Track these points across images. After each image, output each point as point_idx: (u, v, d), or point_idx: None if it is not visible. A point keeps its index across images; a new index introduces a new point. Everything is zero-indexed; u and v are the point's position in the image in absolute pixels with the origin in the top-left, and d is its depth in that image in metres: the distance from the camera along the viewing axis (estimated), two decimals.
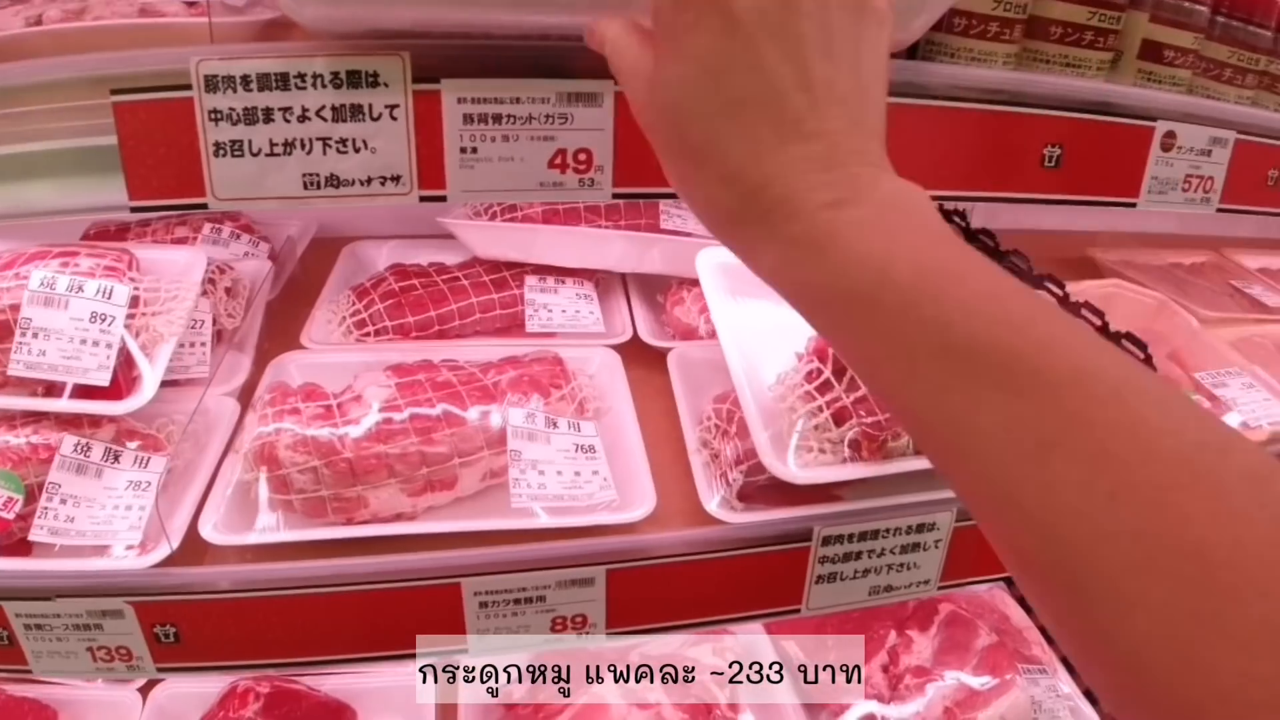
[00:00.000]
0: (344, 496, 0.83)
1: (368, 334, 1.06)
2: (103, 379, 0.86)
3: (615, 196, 0.74)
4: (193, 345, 0.99)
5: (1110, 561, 0.36)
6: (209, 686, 1.14)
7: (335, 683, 1.15)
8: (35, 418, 0.86)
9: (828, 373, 0.85)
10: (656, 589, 0.82)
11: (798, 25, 0.45)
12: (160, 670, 0.81)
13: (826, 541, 0.83)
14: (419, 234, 1.26)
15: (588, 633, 0.83)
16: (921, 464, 0.84)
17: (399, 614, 0.79)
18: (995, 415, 0.40)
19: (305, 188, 0.73)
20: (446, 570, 0.77)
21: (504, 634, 0.81)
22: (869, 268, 0.44)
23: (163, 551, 0.78)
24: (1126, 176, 0.87)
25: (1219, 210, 0.93)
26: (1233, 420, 1.06)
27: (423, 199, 0.73)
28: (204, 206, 0.71)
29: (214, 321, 1.02)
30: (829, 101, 0.46)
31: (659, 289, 1.15)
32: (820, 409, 0.84)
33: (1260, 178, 0.95)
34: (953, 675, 1.16)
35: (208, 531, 0.79)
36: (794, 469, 0.80)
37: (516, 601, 0.80)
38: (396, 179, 0.74)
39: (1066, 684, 1.26)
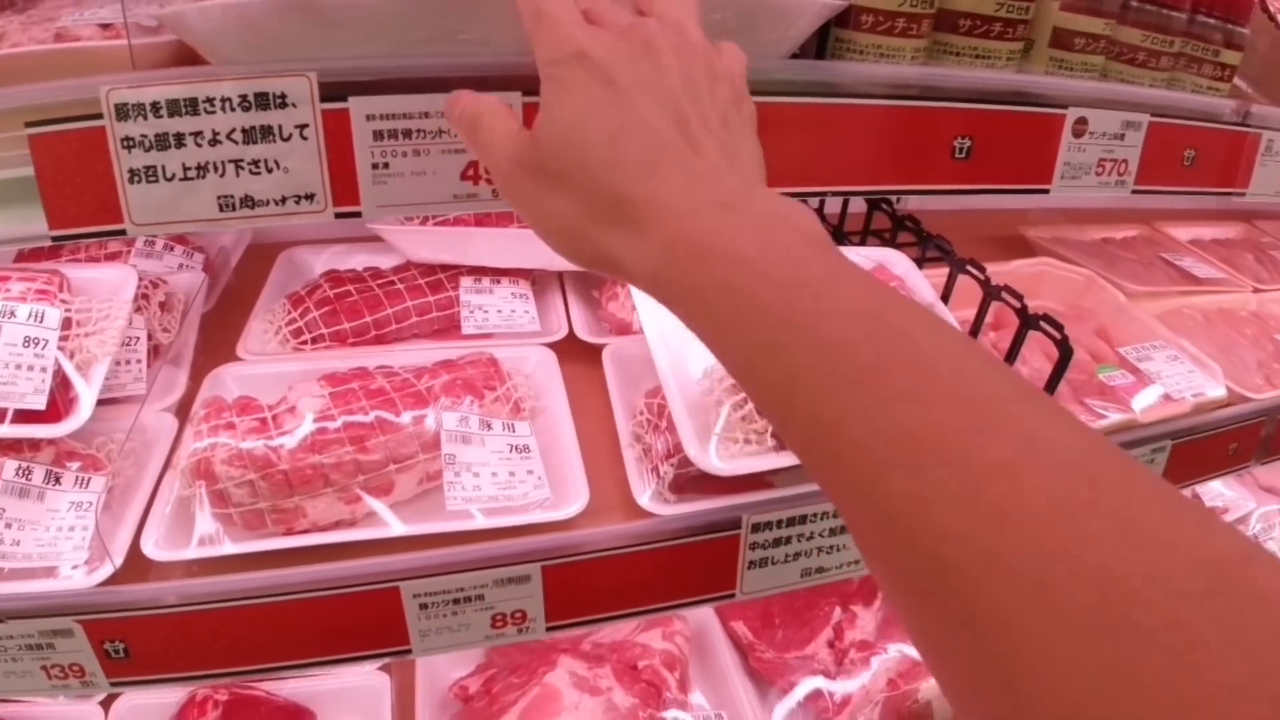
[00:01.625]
0: (281, 508, 0.86)
1: (304, 342, 1.09)
2: (39, 403, 0.88)
3: None
4: (128, 362, 1.01)
5: (999, 591, 0.31)
6: (168, 697, 1.17)
7: (294, 686, 1.19)
8: None
9: None
10: (592, 582, 0.87)
11: (667, 80, 0.52)
12: (113, 685, 0.84)
13: (756, 529, 0.88)
14: (356, 237, 1.28)
15: (527, 628, 0.87)
16: None
17: (342, 619, 0.83)
18: (869, 421, 0.38)
19: (220, 210, 0.76)
20: (384, 575, 0.81)
21: (445, 634, 0.85)
22: (749, 267, 0.46)
23: (106, 570, 0.81)
24: (1039, 163, 0.92)
25: (1134, 192, 0.98)
26: (1154, 394, 1.12)
27: (338, 215, 0.76)
28: (122, 233, 0.74)
29: (149, 337, 1.05)
30: (704, 135, 0.52)
31: (595, 285, 1.19)
32: (744, 401, 0.88)
33: (1176, 158, 1.00)
34: (896, 648, 1.22)
35: (149, 549, 0.82)
36: (717, 461, 0.85)
37: (455, 601, 0.84)
38: (310, 197, 0.77)
39: None
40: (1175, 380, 1.14)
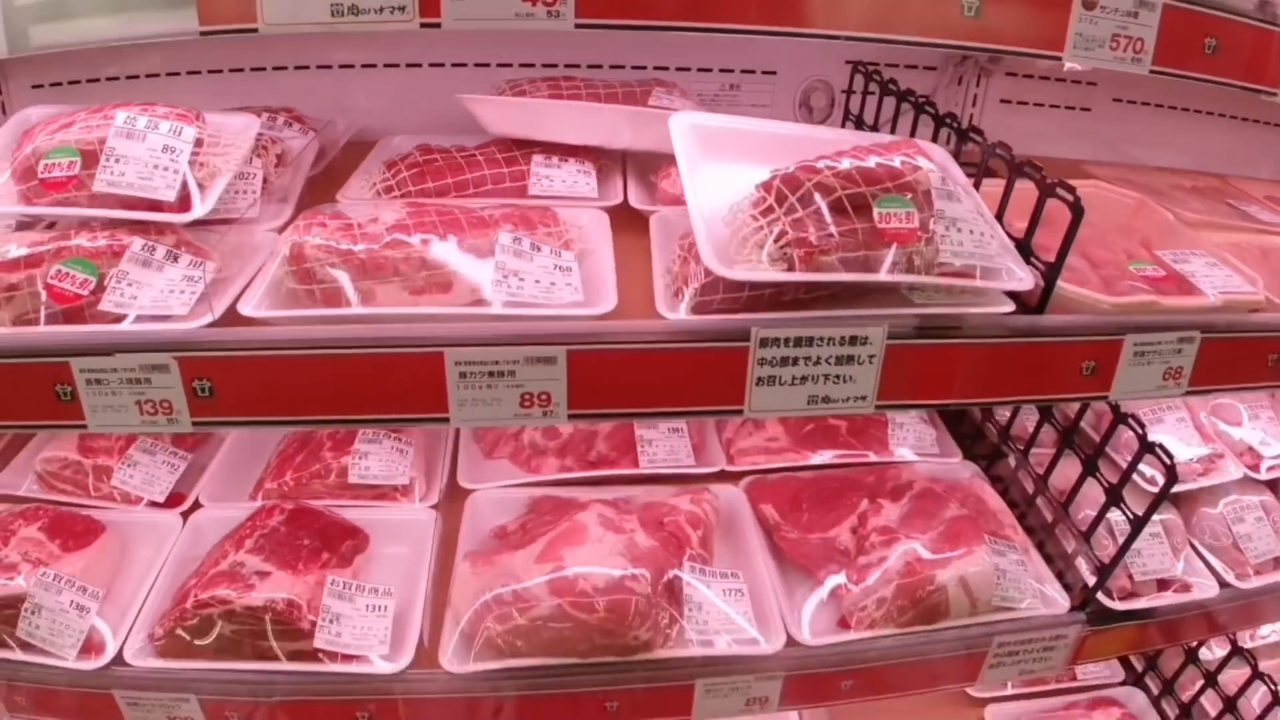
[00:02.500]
0: (358, 289, 1.03)
1: (395, 198, 1.27)
2: (170, 196, 1.09)
3: (576, 26, 0.93)
4: (244, 192, 1.22)
5: None
6: (241, 512, 1.35)
7: (352, 515, 1.35)
8: (112, 226, 1.09)
9: (770, 200, 1.01)
10: (612, 375, 0.99)
11: None
12: (196, 425, 1.01)
13: (764, 344, 0.99)
14: (446, 129, 1.47)
15: (552, 412, 1.00)
16: (850, 276, 0.99)
17: (394, 379, 0.98)
18: None
19: (333, 15, 0.95)
20: (432, 340, 0.95)
21: (480, 405, 0.99)
22: None
23: (206, 319, 0.99)
24: (1050, 31, 1.01)
25: (1152, 72, 1.05)
26: (1183, 285, 1.16)
27: (422, 25, 0.94)
28: (255, 31, 0.94)
29: (264, 181, 1.25)
30: None
31: (653, 169, 1.33)
32: (761, 229, 1.00)
33: (1196, 45, 1.07)
34: (917, 537, 1.28)
35: (244, 309, 1.00)
36: (732, 271, 0.96)
37: (490, 375, 0.98)
38: (402, 9, 0.95)
39: (1037, 563, 1.36)
40: (1210, 279, 1.18)
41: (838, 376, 1.03)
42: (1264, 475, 1.54)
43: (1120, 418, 1.27)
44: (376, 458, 1.38)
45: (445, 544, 1.33)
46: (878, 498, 1.35)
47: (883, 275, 1.00)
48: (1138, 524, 1.24)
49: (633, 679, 1.18)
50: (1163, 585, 1.39)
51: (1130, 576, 1.35)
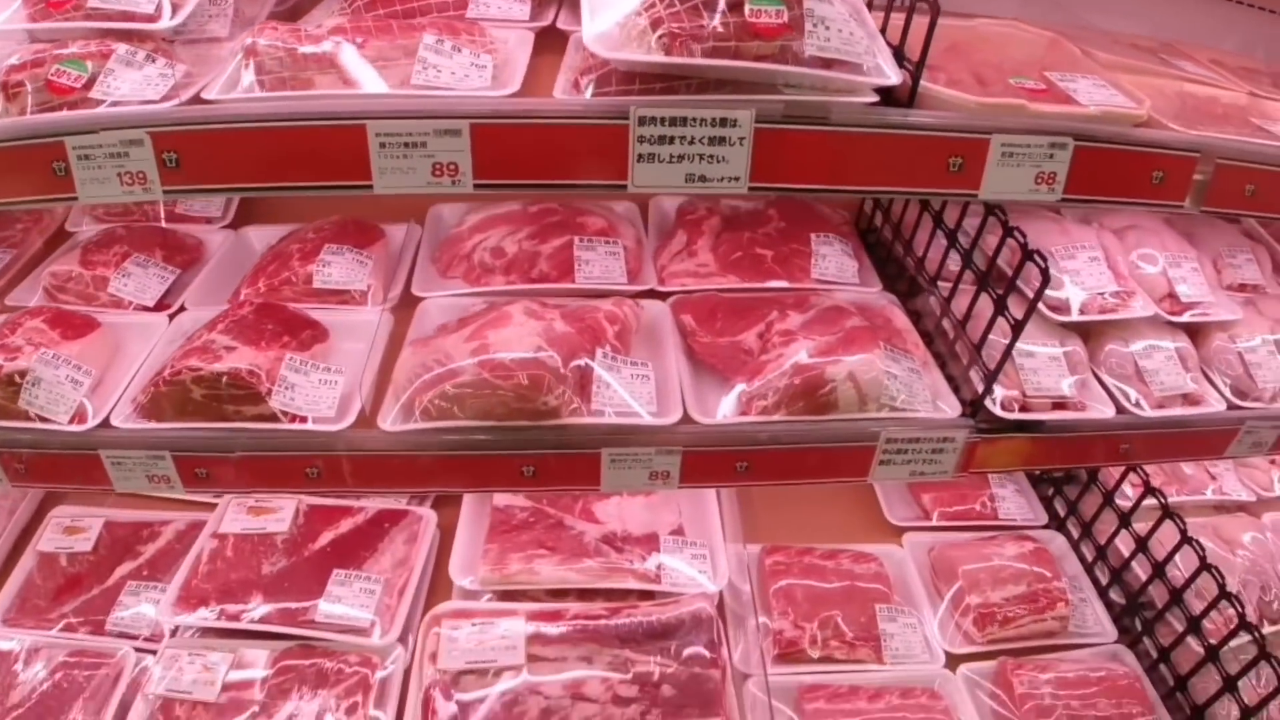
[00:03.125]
0: (300, 78, 1.21)
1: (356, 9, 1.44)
2: (149, 8, 1.28)
3: None
4: (217, 16, 1.41)
5: None
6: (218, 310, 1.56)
7: (316, 315, 1.55)
8: (102, 35, 1.29)
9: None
10: (511, 150, 1.15)
11: None
12: (166, 192, 1.21)
13: (642, 122, 1.14)
14: None
15: (459, 181, 1.17)
16: (717, 62, 1.13)
17: (327, 149, 1.15)
18: None
19: None
20: (356, 113, 1.13)
21: (397, 174, 1.17)
22: None
23: (174, 103, 1.19)
24: None
25: None
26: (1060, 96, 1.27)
27: None
28: None
29: (235, 11, 1.44)
30: None
31: None
32: (643, 23, 1.15)
33: None
34: (815, 339, 1.42)
35: (207, 94, 1.19)
36: (609, 52, 1.11)
37: (406, 145, 1.15)
38: None
39: (936, 378, 1.49)
40: (1091, 95, 1.28)
41: (711, 156, 1.17)
42: (1184, 318, 1.63)
43: (1007, 230, 1.38)
44: (338, 266, 1.57)
45: (395, 340, 1.52)
46: (787, 310, 1.50)
47: (748, 63, 1.14)
48: (1017, 327, 1.36)
49: (544, 444, 1.36)
50: (1061, 409, 1.51)
51: (1024, 393, 1.47)
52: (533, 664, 1.47)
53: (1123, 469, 1.93)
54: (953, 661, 1.82)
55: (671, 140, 1.16)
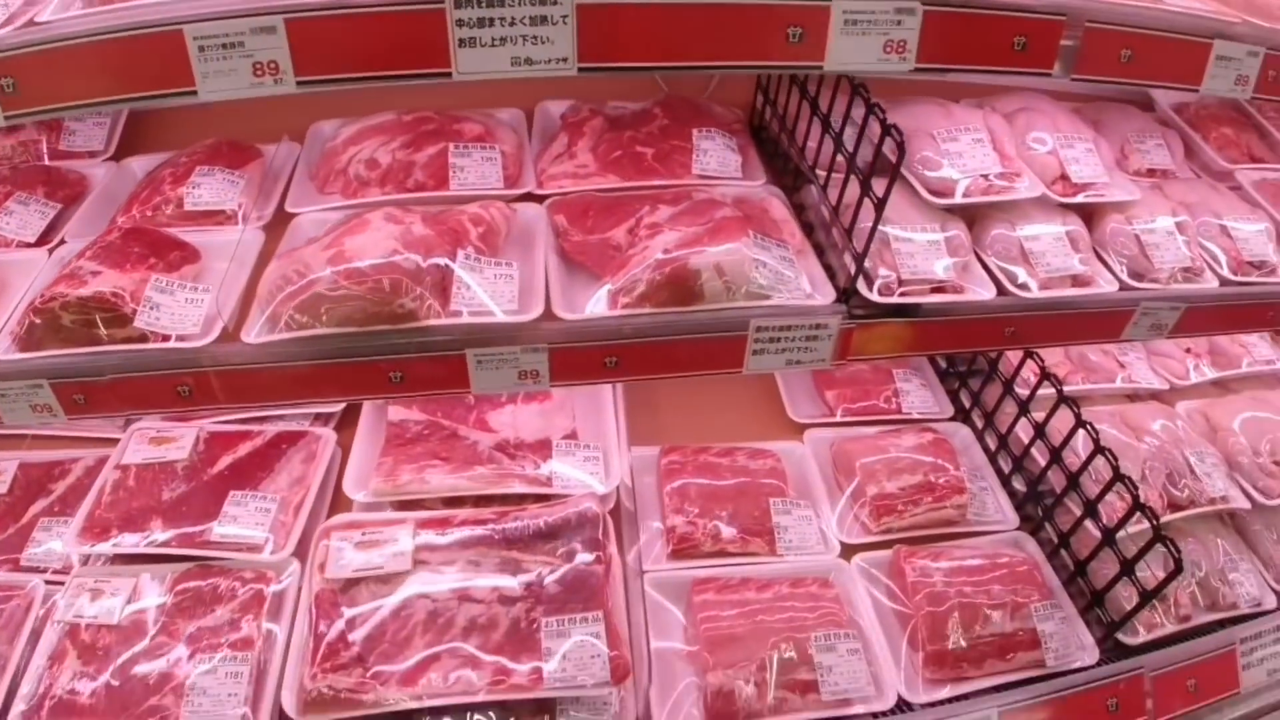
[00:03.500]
0: None
1: None
2: None
3: None
4: None
5: None
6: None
7: (189, 238, 1.55)
8: None
9: None
10: (329, 44, 1.14)
11: None
12: (7, 118, 1.21)
13: (459, 4, 1.12)
14: None
15: (281, 79, 1.16)
16: None
17: (152, 59, 1.14)
18: None
19: None
20: (173, 19, 1.12)
21: (222, 76, 1.16)
22: None
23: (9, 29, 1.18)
24: None
25: None
26: None
27: None
28: None
29: None
30: None
31: None
32: None
33: None
34: (681, 229, 1.42)
35: (42, 17, 1.18)
36: None
37: (224, 46, 1.14)
38: None
39: (813, 266, 1.48)
40: None
41: (535, 38, 1.16)
42: (1076, 200, 1.61)
43: (869, 107, 1.36)
44: (208, 187, 1.57)
45: (266, 257, 1.52)
46: (659, 205, 1.49)
47: None
48: (880, 205, 1.35)
49: (407, 348, 1.36)
50: (941, 293, 1.50)
51: (900, 277, 1.47)
52: (420, 569, 1.49)
53: (1022, 358, 1.93)
54: (850, 553, 1.84)
55: (491, 22, 1.14)
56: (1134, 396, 2.21)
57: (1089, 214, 1.69)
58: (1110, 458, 1.61)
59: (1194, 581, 1.84)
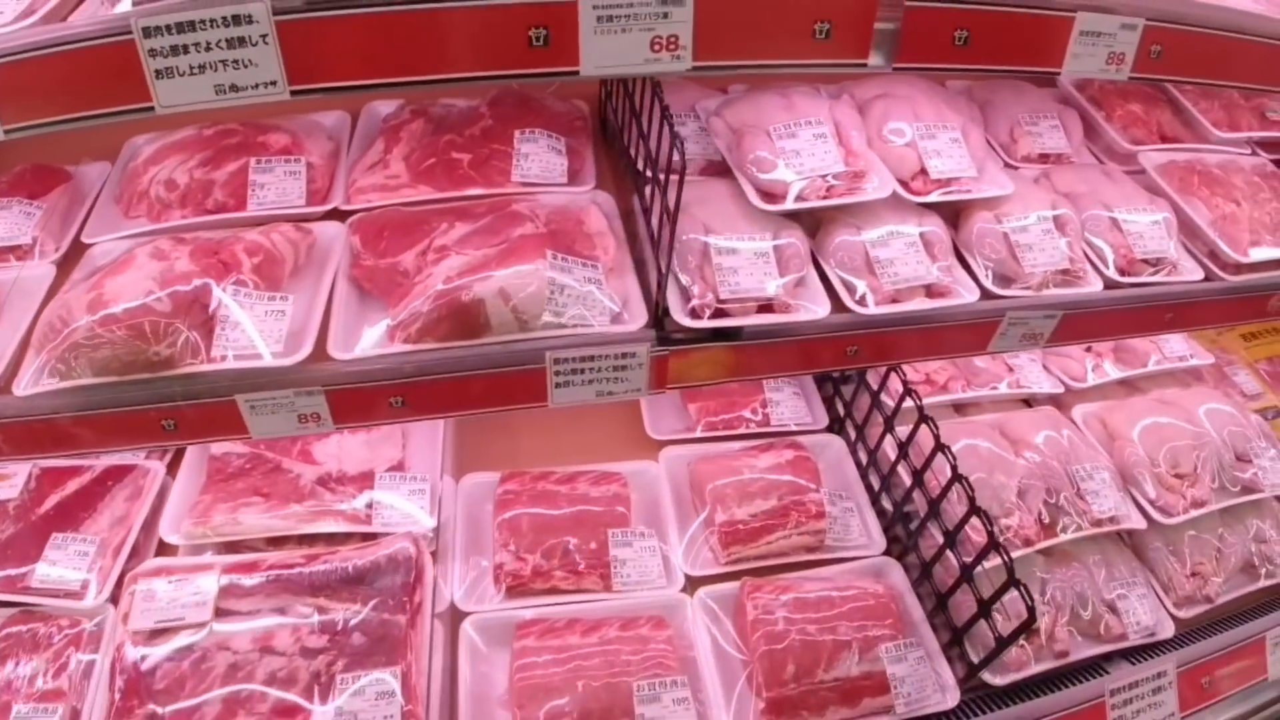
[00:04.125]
0: None
1: None
2: None
3: None
4: None
5: None
6: None
7: None
8: None
9: None
10: (25, 86, 1.06)
11: None
12: None
13: (148, 33, 1.02)
14: None
15: None
16: None
17: None
18: None
19: None
20: None
21: None
22: None
23: None
24: None
25: None
26: None
27: None
28: None
29: None
30: None
31: None
32: None
33: None
34: (469, 253, 1.32)
35: None
36: None
37: None
38: None
39: (626, 281, 1.38)
40: None
41: (236, 61, 1.06)
42: (932, 198, 1.47)
43: (655, 99, 1.24)
44: (1, 221, 1.51)
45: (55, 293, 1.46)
46: (458, 222, 1.39)
47: None
48: (673, 217, 1.23)
49: (171, 396, 1.29)
50: (768, 311, 1.38)
51: (719, 297, 1.35)
52: (223, 619, 1.44)
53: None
54: (697, 585, 1.74)
55: (186, 49, 1.05)
56: (1031, 400, 2.05)
57: (956, 212, 1.55)
58: (967, 487, 1.48)
59: (1072, 612, 1.70)
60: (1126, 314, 1.57)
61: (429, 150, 1.54)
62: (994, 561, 1.50)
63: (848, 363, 1.47)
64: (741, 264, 1.38)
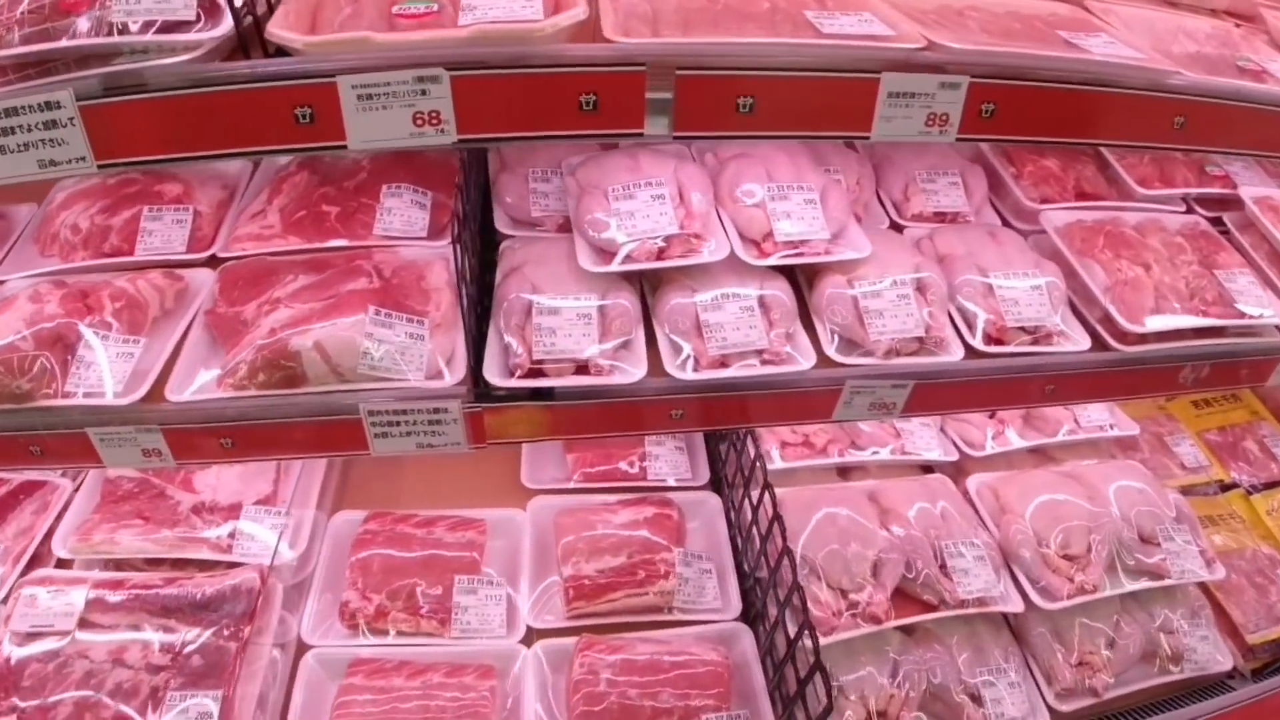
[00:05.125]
0: None
1: None
2: None
3: None
4: None
5: None
6: None
7: None
8: None
9: None
10: None
11: None
12: None
13: None
14: None
15: None
16: (32, 48, 1.17)
17: None
18: None
19: None
20: None
21: None
22: None
23: None
24: None
25: None
26: None
27: None
28: None
29: None
30: None
31: None
32: None
33: None
34: (298, 306, 1.45)
35: None
36: None
37: None
38: None
39: (454, 337, 1.47)
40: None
41: (51, 140, 1.22)
42: (770, 261, 1.50)
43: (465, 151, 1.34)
44: None
45: None
46: (301, 274, 1.52)
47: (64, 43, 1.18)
48: (462, 276, 1.32)
49: (34, 426, 1.47)
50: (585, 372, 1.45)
51: (533, 357, 1.43)
52: (86, 629, 1.62)
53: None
54: (540, 637, 1.80)
55: (12, 130, 1.22)
56: (928, 467, 2.01)
57: (812, 273, 1.58)
58: (791, 560, 1.50)
59: (929, 697, 1.67)
60: (995, 385, 1.55)
61: (303, 202, 1.69)
62: (836, 637, 1.51)
63: (674, 426, 1.52)
64: (560, 324, 1.46)
